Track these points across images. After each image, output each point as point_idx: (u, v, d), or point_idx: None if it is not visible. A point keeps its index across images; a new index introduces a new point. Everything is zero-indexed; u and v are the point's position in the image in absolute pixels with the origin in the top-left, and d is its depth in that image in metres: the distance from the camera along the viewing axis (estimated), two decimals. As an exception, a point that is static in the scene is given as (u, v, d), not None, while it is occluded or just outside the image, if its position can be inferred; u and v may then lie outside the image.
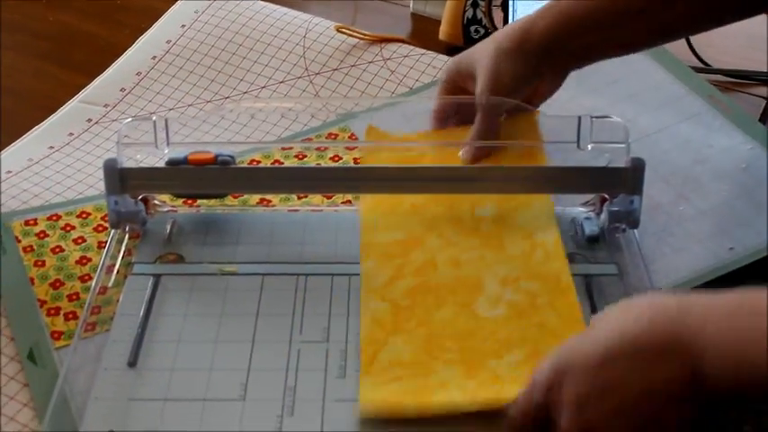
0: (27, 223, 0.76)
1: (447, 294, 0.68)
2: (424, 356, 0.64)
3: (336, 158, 0.83)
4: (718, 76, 0.97)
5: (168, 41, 0.99)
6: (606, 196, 0.73)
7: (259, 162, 0.83)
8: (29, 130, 0.90)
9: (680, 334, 0.51)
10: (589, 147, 0.74)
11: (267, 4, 1.02)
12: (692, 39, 0.97)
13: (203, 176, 0.73)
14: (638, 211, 0.72)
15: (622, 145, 0.72)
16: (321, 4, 1.10)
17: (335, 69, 0.95)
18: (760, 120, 0.88)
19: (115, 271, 0.71)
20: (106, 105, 0.93)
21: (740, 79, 0.97)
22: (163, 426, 0.60)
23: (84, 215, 0.77)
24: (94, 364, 0.64)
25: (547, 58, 0.74)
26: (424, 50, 0.96)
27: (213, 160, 0.73)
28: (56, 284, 0.71)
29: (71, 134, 0.90)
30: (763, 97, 0.95)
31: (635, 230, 0.73)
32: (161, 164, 0.74)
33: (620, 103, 0.87)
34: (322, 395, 0.62)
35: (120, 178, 0.72)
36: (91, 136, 0.89)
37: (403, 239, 0.73)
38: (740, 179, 0.79)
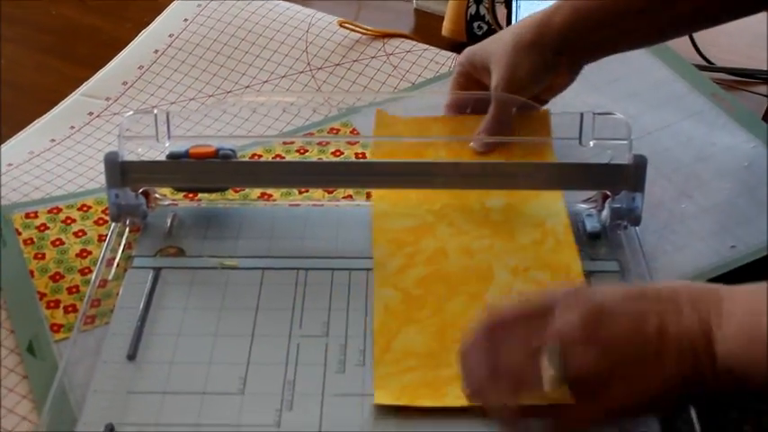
0: (28, 216, 0.76)
1: (458, 284, 0.68)
2: (436, 347, 0.64)
3: (338, 153, 0.83)
4: (722, 74, 0.97)
5: (170, 35, 0.99)
6: (608, 193, 0.73)
7: (260, 156, 0.83)
8: (30, 122, 0.90)
9: (707, 295, 0.52)
10: (591, 143, 0.74)
11: (270, -2, 1.02)
12: (696, 36, 0.97)
13: (204, 170, 0.73)
14: (640, 208, 0.72)
15: (624, 142, 0.72)
16: (324, -2, 1.10)
17: (338, 64, 0.94)
18: (763, 118, 0.87)
19: (115, 264, 0.71)
20: (108, 99, 0.93)
21: (744, 77, 0.97)
22: (162, 419, 0.60)
23: (84, 208, 0.77)
24: (94, 356, 0.64)
25: (563, 53, 0.74)
26: (426, 46, 0.96)
27: (214, 154, 0.73)
28: (56, 277, 0.71)
29: (72, 127, 0.89)
30: (767, 96, 0.94)
31: (636, 228, 0.73)
32: (162, 157, 0.74)
33: (622, 100, 0.87)
34: (321, 390, 0.61)
35: (120, 171, 0.72)
36: (92, 129, 0.89)
37: (414, 227, 0.73)
38: (742, 177, 0.79)
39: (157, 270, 0.70)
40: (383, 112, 0.82)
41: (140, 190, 0.74)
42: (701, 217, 0.76)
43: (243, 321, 0.66)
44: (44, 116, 0.91)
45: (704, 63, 0.98)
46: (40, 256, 0.73)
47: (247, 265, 0.71)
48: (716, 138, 0.83)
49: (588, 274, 0.70)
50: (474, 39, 0.99)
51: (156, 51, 0.97)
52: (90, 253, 0.73)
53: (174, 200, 0.77)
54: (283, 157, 0.83)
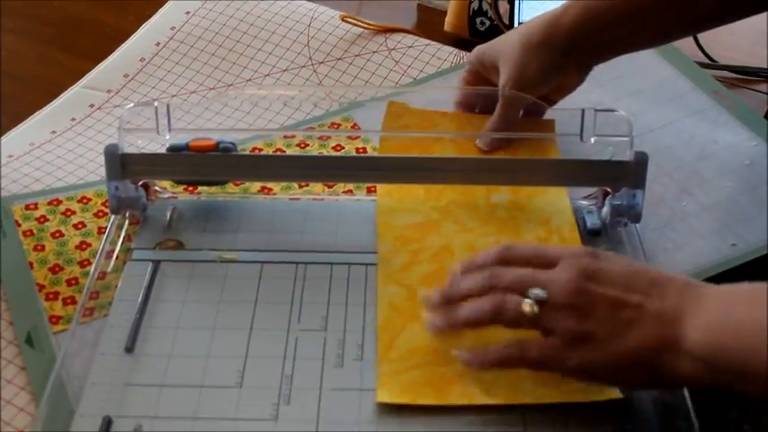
0: (27, 207, 0.76)
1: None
2: (440, 345, 0.63)
3: (339, 148, 0.83)
4: (725, 72, 0.97)
5: (172, 28, 0.99)
6: (609, 190, 0.73)
7: (261, 150, 0.82)
8: (31, 114, 0.90)
9: (694, 288, 0.56)
10: (592, 140, 0.74)
11: (272, -9, 1.02)
12: (700, 34, 0.97)
13: (204, 163, 0.73)
14: (641, 205, 0.72)
15: (626, 138, 0.72)
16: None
17: (339, 59, 0.94)
18: (765, 116, 0.87)
19: (114, 256, 0.71)
20: (109, 91, 0.93)
21: (746, 75, 0.97)
22: (159, 412, 0.60)
23: (84, 200, 0.77)
24: (92, 349, 0.64)
25: (572, 53, 0.74)
26: (428, 41, 0.96)
27: (215, 147, 0.72)
28: (55, 269, 0.71)
29: (73, 119, 0.89)
30: (768, 94, 0.94)
31: (637, 225, 0.72)
32: (162, 150, 0.73)
33: (625, 97, 0.87)
34: (319, 384, 0.61)
35: (121, 164, 0.72)
36: (93, 121, 0.89)
37: (419, 223, 0.73)
38: (744, 175, 0.79)
39: (156, 263, 0.70)
40: (395, 103, 0.82)
41: (140, 182, 0.74)
42: (701, 215, 0.76)
43: (241, 315, 0.66)
44: (45, 108, 0.91)
45: (707, 61, 0.98)
46: (39, 247, 0.73)
47: (246, 258, 0.71)
48: (718, 136, 0.83)
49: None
50: (476, 34, 0.99)
51: (158, 44, 0.97)
52: (89, 245, 0.73)
53: (173, 193, 0.77)
54: (284, 151, 0.83)
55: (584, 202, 0.75)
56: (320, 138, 0.84)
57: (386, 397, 0.60)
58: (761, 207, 0.75)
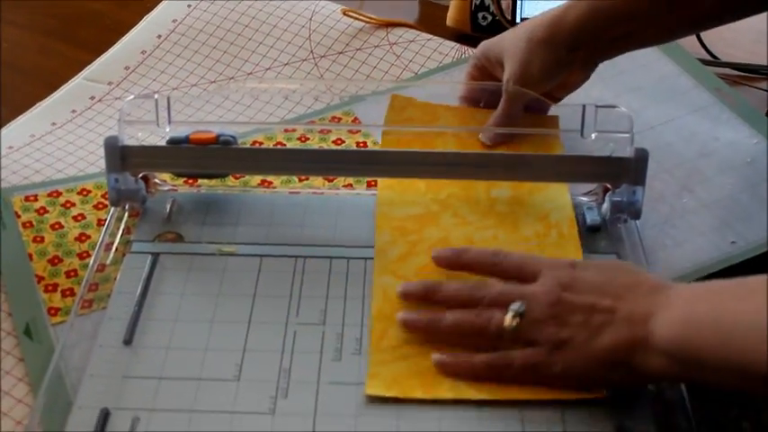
0: (27, 199, 0.76)
1: (458, 274, 0.68)
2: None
3: (339, 142, 0.83)
4: (727, 69, 0.96)
5: (174, 20, 0.99)
6: (609, 186, 0.73)
7: (261, 143, 0.82)
8: (32, 106, 0.90)
9: (665, 287, 0.59)
10: (593, 136, 0.74)
11: (274, -15, 1.02)
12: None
13: (204, 156, 0.73)
14: (641, 201, 0.71)
15: (626, 135, 0.72)
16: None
17: (341, 53, 0.94)
18: (767, 114, 0.87)
19: (114, 249, 0.71)
20: (110, 83, 0.93)
21: (748, 73, 0.97)
22: (157, 404, 0.60)
23: (84, 192, 0.77)
24: (90, 341, 0.64)
25: (577, 50, 0.74)
26: (430, 36, 0.95)
27: (215, 140, 0.72)
28: (54, 261, 0.71)
29: (74, 111, 0.89)
30: (770, 92, 0.94)
31: (637, 221, 0.72)
32: (162, 142, 0.73)
33: (627, 93, 0.86)
34: (317, 378, 0.61)
35: (120, 156, 0.72)
36: (94, 113, 0.89)
37: (418, 215, 0.73)
38: (745, 173, 0.79)
39: (155, 255, 0.70)
40: (399, 96, 0.82)
41: (140, 175, 0.74)
42: (701, 212, 0.76)
43: (240, 308, 0.66)
44: (46, 99, 0.91)
45: (709, 57, 0.97)
46: (39, 239, 0.73)
47: (246, 251, 0.71)
48: (719, 133, 0.83)
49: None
50: (478, 29, 0.99)
51: (159, 36, 0.97)
52: (89, 237, 0.73)
53: (173, 185, 0.77)
54: (284, 145, 0.82)
55: (585, 198, 0.75)
56: (321, 131, 0.84)
57: (374, 389, 0.60)
58: (761, 205, 0.75)
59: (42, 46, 1.01)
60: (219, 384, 0.61)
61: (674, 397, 0.60)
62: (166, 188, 0.76)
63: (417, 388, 0.60)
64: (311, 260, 0.70)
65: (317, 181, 0.78)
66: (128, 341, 0.64)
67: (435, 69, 0.92)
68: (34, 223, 0.74)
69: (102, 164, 0.75)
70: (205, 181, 0.77)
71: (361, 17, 0.97)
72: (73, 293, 0.69)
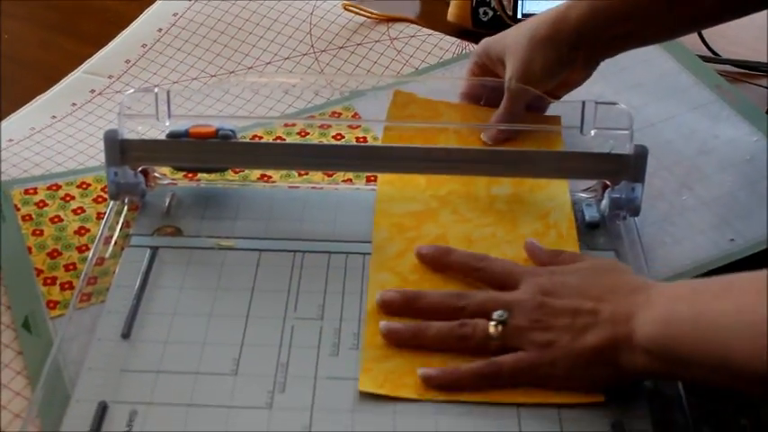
0: (27, 192, 0.76)
1: (443, 278, 0.68)
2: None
3: (339, 137, 0.83)
4: (727, 66, 0.96)
5: (174, 14, 0.98)
6: (608, 183, 0.73)
7: (261, 138, 0.82)
8: (32, 99, 0.90)
9: (646, 286, 0.59)
10: (592, 132, 0.74)
11: (275, -20, 1.02)
12: (703, 29, 0.96)
13: (204, 150, 0.73)
14: (640, 198, 0.71)
15: (626, 132, 0.72)
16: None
17: (341, 47, 0.94)
18: (767, 112, 0.87)
19: (113, 242, 0.71)
20: (110, 77, 0.93)
21: (749, 70, 0.96)
22: (155, 398, 0.60)
23: (84, 186, 0.77)
24: (89, 334, 0.64)
25: (579, 48, 0.74)
26: (431, 31, 0.95)
27: (214, 134, 0.72)
28: (53, 254, 0.71)
29: (74, 104, 0.89)
30: (770, 89, 0.94)
31: (635, 218, 0.72)
32: (162, 136, 0.73)
33: (627, 90, 0.86)
34: (314, 372, 0.61)
35: (120, 150, 0.72)
36: (94, 107, 0.89)
37: (417, 212, 0.73)
38: (744, 170, 0.79)
39: (154, 249, 0.70)
40: (402, 92, 0.82)
41: (139, 168, 0.74)
42: (700, 209, 0.76)
43: (238, 302, 0.66)
44: (46, 93, 0.91)
45: (710, 54, 0.97)
46: (38, 232, 0.73)
47: (244, 246, 0.71)
48: (719, 131, 0.83)
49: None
50: (479, 25, 0.99)
51: (160, 30, 0.97)
52: (88, 230, 0.73)
53: (173, 179, 0.77)
54: (284, 139, 0.82)
55: (584, 195, 0.75)
56: (321, 126, 0.84)
57: (367, 385, 0.60)
58: (760, 202, 0.75)
59: (43, 39, 1.01)
60: (217, 378, 0.61)
61: (671, 394, 0.60)
62: (166, 182, 0.76)
63: (410, 387, 0.60)
64: (310, 255, 0.70)
65: (317, 176, 0.78)
66: (126, 335, 0.64)
67: (436, 65, 0.92)
68: (33, 216, 0.74)
69: (101, 157, 0.75)
70: (204, 175, 0.77)
71: (362, 12, 0.97)
72: (72, 287, 0.69)
